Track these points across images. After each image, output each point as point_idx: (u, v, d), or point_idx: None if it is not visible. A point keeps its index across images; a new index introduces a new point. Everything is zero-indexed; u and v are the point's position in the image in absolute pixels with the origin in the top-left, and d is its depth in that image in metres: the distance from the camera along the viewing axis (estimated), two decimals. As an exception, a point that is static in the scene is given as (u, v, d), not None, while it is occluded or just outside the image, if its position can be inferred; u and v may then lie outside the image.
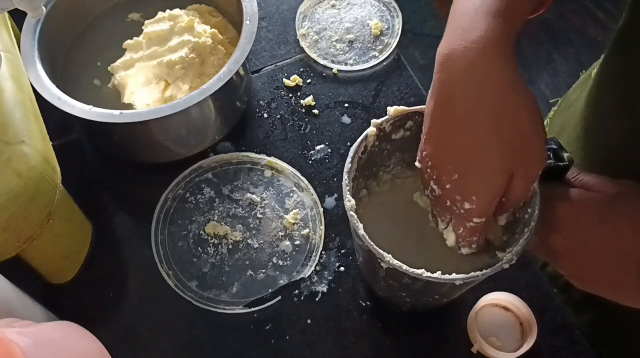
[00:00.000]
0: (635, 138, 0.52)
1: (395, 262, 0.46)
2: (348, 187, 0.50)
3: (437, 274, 0.45)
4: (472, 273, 0.45)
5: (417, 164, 0.48)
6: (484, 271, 0.45)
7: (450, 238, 0.50)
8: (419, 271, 0.45)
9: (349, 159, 0.51)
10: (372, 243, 0.47)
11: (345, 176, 0.50)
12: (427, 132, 0.46)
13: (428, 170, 0.47)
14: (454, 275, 0.45)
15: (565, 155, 0.48)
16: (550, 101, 0.81)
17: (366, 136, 0.52)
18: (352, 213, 0.48)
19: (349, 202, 0.49)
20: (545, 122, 0.77)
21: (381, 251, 0.46)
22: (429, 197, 0.49)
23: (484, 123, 0.42)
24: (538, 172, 0.44)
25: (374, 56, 0.78)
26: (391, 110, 0.52)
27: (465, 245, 0.49)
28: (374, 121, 0.52)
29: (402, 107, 0.52)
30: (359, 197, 0.57)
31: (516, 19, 0.43)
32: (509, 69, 0.42)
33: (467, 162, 0.43)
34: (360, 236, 0.47)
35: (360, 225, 0.48)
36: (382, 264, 0.46)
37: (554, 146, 0.49)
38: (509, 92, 0.42)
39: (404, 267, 0.45)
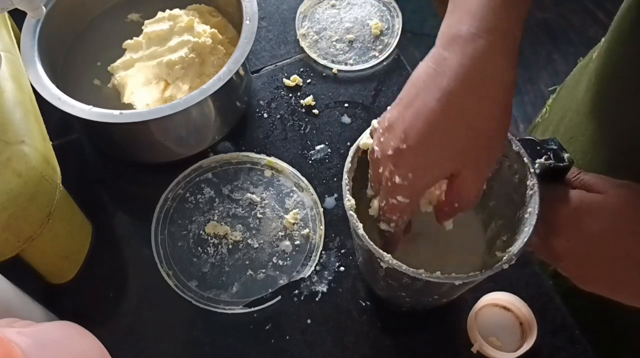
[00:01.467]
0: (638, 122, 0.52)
1: (395, 261, 0.46)
2: (348, 187, 0.50)
3: (437, 274, 0.45)
4: (472, 274, 0.45)
5: (374, 122, 0.48)
6: (483, 271, 0.46)
7: (374, 207, 0.50)
8: (419, 271, 0.45)
9: (349, 159, 0.51)
10: (372, 243, 0.46)
11: (345, 176, 0.50)
12: (402, 95, 0.45)
13: (381, 130, 0.46)
14: (453, 275, 0.45)
15: (566, 155, 0.48)
16: (549, 89, 0.81)
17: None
18: (351, 213, 0.48)
19: (349, 201, 0.49)
20: (544, 110, 0.77)
21: (381, 251, 0.46)
22: (370, 158, 0.48)
23: (456, 110, 0.42)
24: (484, 177, 0.45)
25: (374, 56, 0.78)
26: (391, 110, 0.52)
27: (384, 221, 0.48)
28: (374, 121, 0.52)
29: (402, 107, 0.52)
30: (359, 196, 0.57)
31: (523, 7, 0.44)
32: (507, 67, 0.42)
33: (420, 137, 0.43)
34: (360, 236, 0.47)
35: (360, 225, 0.48)
36: (382, 264, 0.46)
37: (554, 146, 0.49)
38: (497, 94, 0.42)
39: (404, 266, 0.45)
